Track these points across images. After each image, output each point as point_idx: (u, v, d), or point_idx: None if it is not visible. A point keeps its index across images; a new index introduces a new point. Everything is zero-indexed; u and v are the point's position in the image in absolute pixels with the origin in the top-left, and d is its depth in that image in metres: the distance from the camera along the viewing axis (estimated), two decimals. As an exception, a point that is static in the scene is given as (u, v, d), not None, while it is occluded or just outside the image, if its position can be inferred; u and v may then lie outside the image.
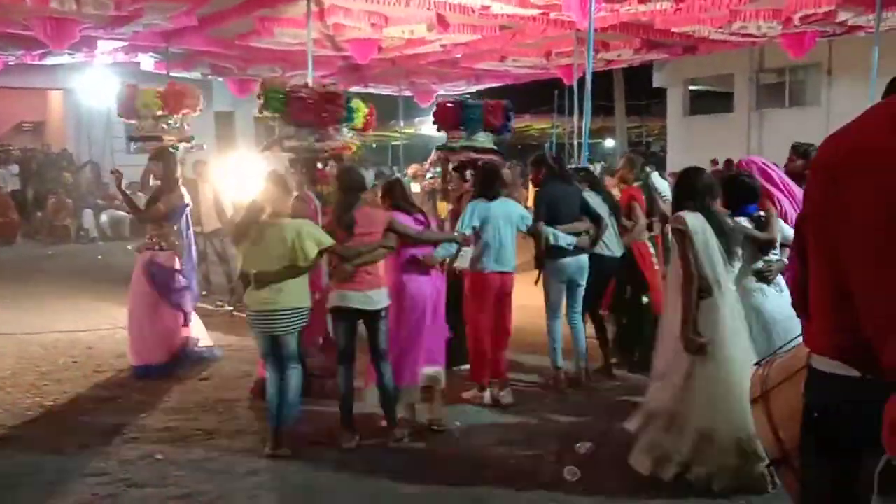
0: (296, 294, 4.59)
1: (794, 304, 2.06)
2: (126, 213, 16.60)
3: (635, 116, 27.14)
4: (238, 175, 7.41)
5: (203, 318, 6.97)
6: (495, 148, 6.62)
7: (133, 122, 7.14)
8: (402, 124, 18.23)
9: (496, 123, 6.39)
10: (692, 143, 19.82)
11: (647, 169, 6.54)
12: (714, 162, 13.95)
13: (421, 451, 4.70)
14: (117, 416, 5.34)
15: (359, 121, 6.03)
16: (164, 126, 6.98)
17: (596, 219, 5.80)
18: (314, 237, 4.56)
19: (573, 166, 6.80)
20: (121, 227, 16.71)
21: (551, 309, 5.85)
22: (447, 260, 5.29)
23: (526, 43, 11.14)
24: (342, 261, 4.66)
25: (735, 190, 4.59)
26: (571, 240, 5.64)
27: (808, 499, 2.00)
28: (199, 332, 6.68)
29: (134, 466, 4.45)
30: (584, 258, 5.79)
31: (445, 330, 5.16)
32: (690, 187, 4.30)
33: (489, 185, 5.54)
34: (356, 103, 5.98)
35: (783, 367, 2.16)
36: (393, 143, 24.74)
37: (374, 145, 27.18)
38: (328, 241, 4.58)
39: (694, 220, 4.14)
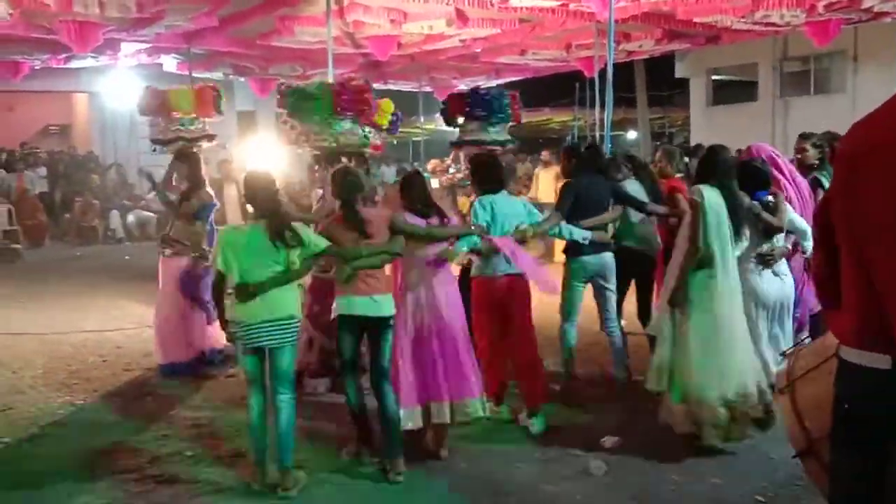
0: (288, 303, 4.10)
1: (819, 296, 2.05)
2: (152, 214, 16.78)
3: (657, 107, 26.89)
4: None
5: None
6: (510, 139, 6.60)
7: (158, 123, 7.17)
8: (422, 120, 18.20)
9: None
10: (716, 134, 19.54)
11: (687, 160, 6.10)
12: (739, 153, 13.82)
13: (450, 450, 4.70)
14: (147, 413, 5.42)
15: (383, 120, 6.03)
16: (182, 127, 7.01)
17: (636, 205, 5.44)
18: (313, 242, 4.15)
19: (615, 153, 6.42)
20: (147, 228, 16.90)
21: (565, 312, 5.51)
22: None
23: (546, 36, 11.06)
24: (342, 261, 4.26)
25: (747, 175, 4.69)
26: (587, 234, 5.22)
27: (836, 490, 1.98)
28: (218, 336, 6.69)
29: (165, 463, 4.51)
30: (608, 256, 5.41)
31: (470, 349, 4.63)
32: (713, 164, 4.52)
33: (491, 178, 5.04)
34: (384, 104, 5.99)
35: (809, 357, 2.14)
36: (414, 138, 24.77)
37: (395, 141, 27.20)
38: (323, 243, 4.17)
39: (711, 195, 4.34)
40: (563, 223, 5.18)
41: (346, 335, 4.35)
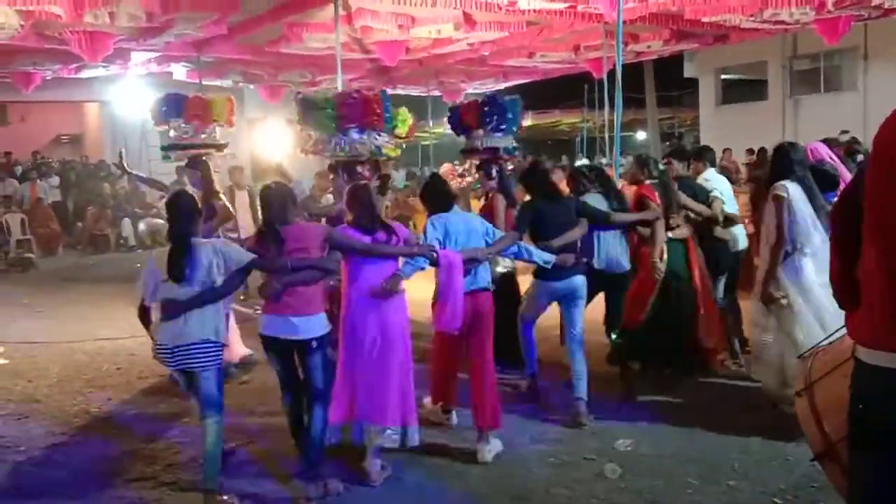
0: (204, 326, 3.95)
1: (836, 296, 2.03)
2: (163, 221, 16.87)
3: (667, 108, 26.81)
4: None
5: (240, 323, 7.04)
6: (515, 146, 6.64)
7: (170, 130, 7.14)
8: (430, 124, 18.21)
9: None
10: (725, 133, 19.53)
11: (662, 166, 5.92)
12: (750, 152, 13.74)
13: (464, 455, 4.70)
14: (161, 421, 5.44)
15: (403, 129, 6.04)
16: (205, 135, 7.00)
17: (601, 218, 5.34)
18: (235, 257, 4.02)
19: (581, 164, 6.37)
20: (159, 235, 16.97)
21: (524, 316, 5.41)
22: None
23: (554, 38, 11.06)
24: (271, 275, 4.12)
25: (817, 176, 4.87)
26: (549, 257, 4.92)
27: (855, 491, 1.97)
28: (236, 344, 6.69)
29: (179, 470, 4.53)
30: (579, 279, 5.18)
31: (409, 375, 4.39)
32: (790, 161, 4.78)
33: (438, 198, 4.84)
34: (402, 113, 5.99)
35: (827, 358, 2.13)
36: (423, 143, 24.78)
37: (404, 146, 27.21)
38: (247, 255, 4.05)
39: (794, 189, 4.64)
40: (522, 243, 5.00)
41: (271, 355, 4.24)
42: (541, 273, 5.16)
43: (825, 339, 2.40)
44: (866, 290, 1.83)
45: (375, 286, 4.24)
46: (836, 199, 2.27)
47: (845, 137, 10.48)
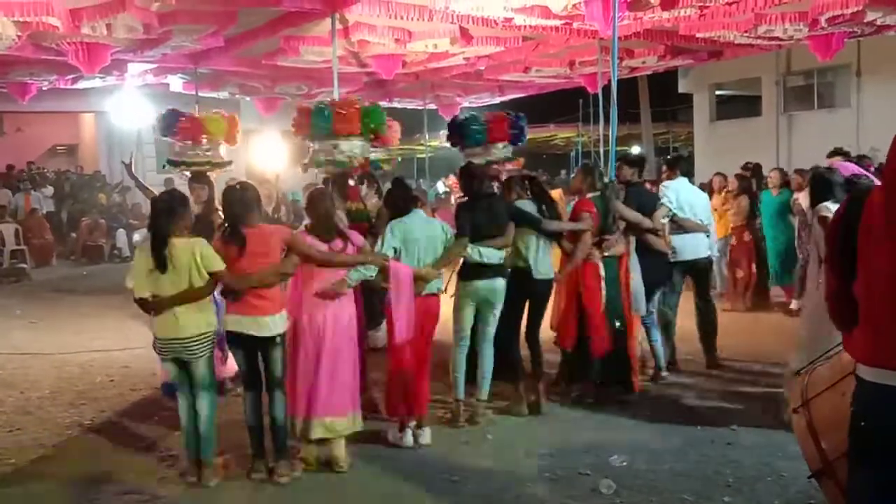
0: (201, 318, 4.34)
1: (831, 316, 2.04)
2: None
3: (661, 122, 26.92)
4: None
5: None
6: (510, 157, 6.70)
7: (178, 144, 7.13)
8: (427, 137, 18.27)
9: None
10: (720, 149, 19.61)
11: (606, 179, 5.93)
12: (745, 167, 13.73)
13: (460, 469, 4.68)
14: (154, 434, 5.41)
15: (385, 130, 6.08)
16: (209, 152, 7.00)
17: (532, 222, 5.48)
18: (207, 258, 4.27)
19: (517, 174, 6.26)
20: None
21: (458, 334, 5.41)
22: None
23: (549, 53, 11.11)
24: (229, 289, 4.42)
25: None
26: (500, 255, 5.25)
27: (852, 509, 1.97)
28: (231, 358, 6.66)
29: (171, 484, 4.50)
30: (500, 282, 5.33)
31: (356, 369, 4.77)
32: (828, 183, 5.03)
33: (397, 202, 5.13)
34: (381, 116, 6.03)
35: (824, 376, 2.13)
36: (418, 155, 24.84)
37: (400, 158, 27.29)
38: (218, 264, 4.28)
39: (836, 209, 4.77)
40: (472, 246, 5.18)
41: (236, 350, 4.58)
42: (465, 274, 5.31)
43: (821, 356, 2.40)
44: (866, 309, 1.83)
45: (326, 288, 4.54)
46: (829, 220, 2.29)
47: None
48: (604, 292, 5.57)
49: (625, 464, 4.58)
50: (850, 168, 5.51)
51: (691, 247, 6.42)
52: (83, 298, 11.76)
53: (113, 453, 5.04)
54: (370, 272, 4.73)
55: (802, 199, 8.77)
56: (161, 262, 4.21)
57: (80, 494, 4.39)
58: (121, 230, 17.11)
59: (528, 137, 7.53)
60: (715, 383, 6.25)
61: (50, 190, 18.97)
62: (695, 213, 6.47)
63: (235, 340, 4.50)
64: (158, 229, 4.28)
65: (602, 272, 5.58)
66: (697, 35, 9.63)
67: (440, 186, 19.92)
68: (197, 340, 4.33)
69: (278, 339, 4.45)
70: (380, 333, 7.66)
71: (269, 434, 4.57)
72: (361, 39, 9.31)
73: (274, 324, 4.42)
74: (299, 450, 4.67)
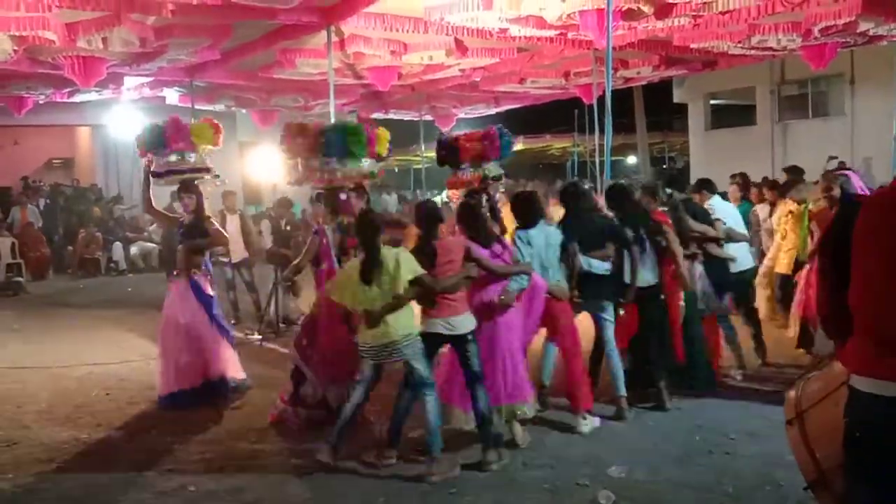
0: (406, 320, 4.70)
1: (823, 327, 2.05)
2: (154, 244, 16.85)
3: (657, 132, 26.97)
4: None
5: (235, 347, 7.00)
6: (503, 174, 6.71)
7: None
8: (423, 148, 18.31)
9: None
10: (715, 158, 19.67)
11: (668, 191, 6.39)
12: (734, 177, 13.78)
13: (458, 480, 4.68)
14: (151, 447, 5.38)
15: (382, 148, 6.07)
16: (192, 160, 6.89)
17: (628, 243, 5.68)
18: (409, 264, 4.62)
19: (651, 183, 6.72)
20: (150, 259, 16.94)
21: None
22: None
23: (544, 64, 11.17)
24: (429, 291, 4.72)
25: None
26: (606, 266, 5.59)
27: (849, 519, 1.97)
28: (233, 366, 6.66)
29: (169, 498, 4.48)
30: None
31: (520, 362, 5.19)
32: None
33: (526, 213, 5.54)
34: (381, 131, 6.01)
35: (817, 386, 2.14)
36: (415, 166, 24.87)
37: (396, 169, 27.30)
38: (420, 269, 4.63)
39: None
40: (581, 257, 5.58)
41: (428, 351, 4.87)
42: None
43: (813, 367, 2.41)
44: (860, 319, 1.84)
45: (496, 302, 5.02)
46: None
47: (833, 163, 10.59)
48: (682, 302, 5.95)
49: (623, 474, 4.57)
50: (855, 184, 5.66)
51: (742, 256, 6.79)
52: (79, 312, 11.72)
53: (111, 467, 5.02)
54: (525, 282, 5.10)
55: (761, 210, 9.09)
56: (371, 276, 4.59)
57: (77, 509, 4.37)
58: (117, 243, 17.09)
59: (524, 148, 7.57)
60: (712, 392, 6.24)
61: (41, 203, 18.90)
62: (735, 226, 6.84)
63: (433, 342, 4.83)
64: (370, 245, 4.66)
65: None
66: (691, 45, 9.69)
67: (439, 198, 19.91)
68: (406, 340, 4.64)
69: (470, 336, 4.79)
70: None
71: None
72: (357, 52, 9.37)
73: (464, 322, 4.80)
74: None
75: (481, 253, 4.97)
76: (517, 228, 5.50)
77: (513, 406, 5.03)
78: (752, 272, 7.17)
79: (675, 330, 5.94)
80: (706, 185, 7.12)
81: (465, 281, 4.86)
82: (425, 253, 4.78)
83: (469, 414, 4.90)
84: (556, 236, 5.51)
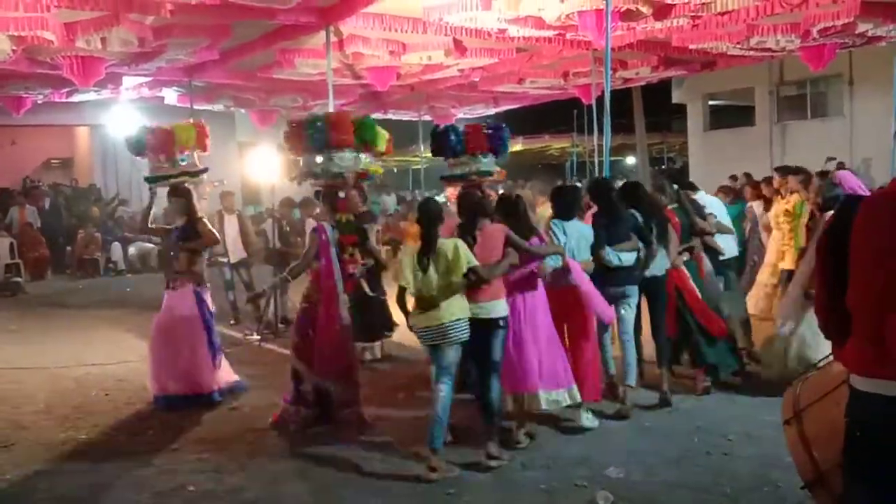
0: (459, 305, 4.77)
1: (821, 328, 2.04)
2: (153, 246, 16.83)
3: (655, 133, 26.98)
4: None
5: (231, 347, 7.01)
6: (492, 171, 6.76)
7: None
8: (422, 148, 18.31)
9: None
10: (714, 158, 19.68)
11: (675, 187, 6.68)
12: (733, 178, 13.78)
13: (456, 481, 4.68)
14: (149, 448, 5.38)
15: (382, 145, 6.10)
16: (184, 163, 6.84)
17: (643, 239, 5.86)
18: (465, 255, 4.74)
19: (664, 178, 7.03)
20: (149, 260, 16.92)
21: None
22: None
23: (543, 64, 11.18)
24: (480, 281, 4.79)
25: None
26: (632, 257, 5.77)
27: (848, 520, 1.96)
28: (225, 372, 6.65)
29: (168, 498, 4.48)
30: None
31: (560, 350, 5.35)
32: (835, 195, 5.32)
33: (566, 206, 5.79)
34: (380, 131, 6.04)
35: (815, 387, 2.14)
36: (414, 167, 24.88)
37: (395, 169, 27.28)
38: (474, 260, 4.76)
39: None
40: (610, 251, 5.76)
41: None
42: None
43: (812, 366, 2.41)
44: (858, 319, 1.84)
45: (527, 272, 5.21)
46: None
47: (832, 164, 10.60)
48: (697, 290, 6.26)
49: (621, 475, 4.57)
50: (851, 183, 5.74)
51: (728, 247, 7.17)
52: (78, 312, 11.71)
53: (109, 468, 5.01)
54: (558, 261, 5.37)
55: (756, 206, 9.38)
56: (428, 263, 4.74)
57: (75, 510, 4.37)
58: (116, 243, 17.07)
59: (523, 148, 7.63)
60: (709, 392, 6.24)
61: (45, 203, 18.87)
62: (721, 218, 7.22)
63: (471, 327, 4.85)
64: (428, 234, 4.79)
65: (688, 273, 6.32)
66: (690, 46, 9.70)
67: (439, 198, 19.89)
68: (455, 325, 4.71)
69: (502, 322, 4.89)
70: (376, 344, 7.66)
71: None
72: (356, 52, 9.36)
73: (497, 308, 4.89)
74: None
75: (518, 238, 5.09)
76: (553, 218, 5.76)
77: (549, 393, 5.14)
78: (735, 261, 7.61)
79: (700, 307, 6.19)
80: (689, 184, 7.51)
81: (510, 269, 4.99)
82: (466, 242, 4.89)
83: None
84: (588, 232, 5.75)
